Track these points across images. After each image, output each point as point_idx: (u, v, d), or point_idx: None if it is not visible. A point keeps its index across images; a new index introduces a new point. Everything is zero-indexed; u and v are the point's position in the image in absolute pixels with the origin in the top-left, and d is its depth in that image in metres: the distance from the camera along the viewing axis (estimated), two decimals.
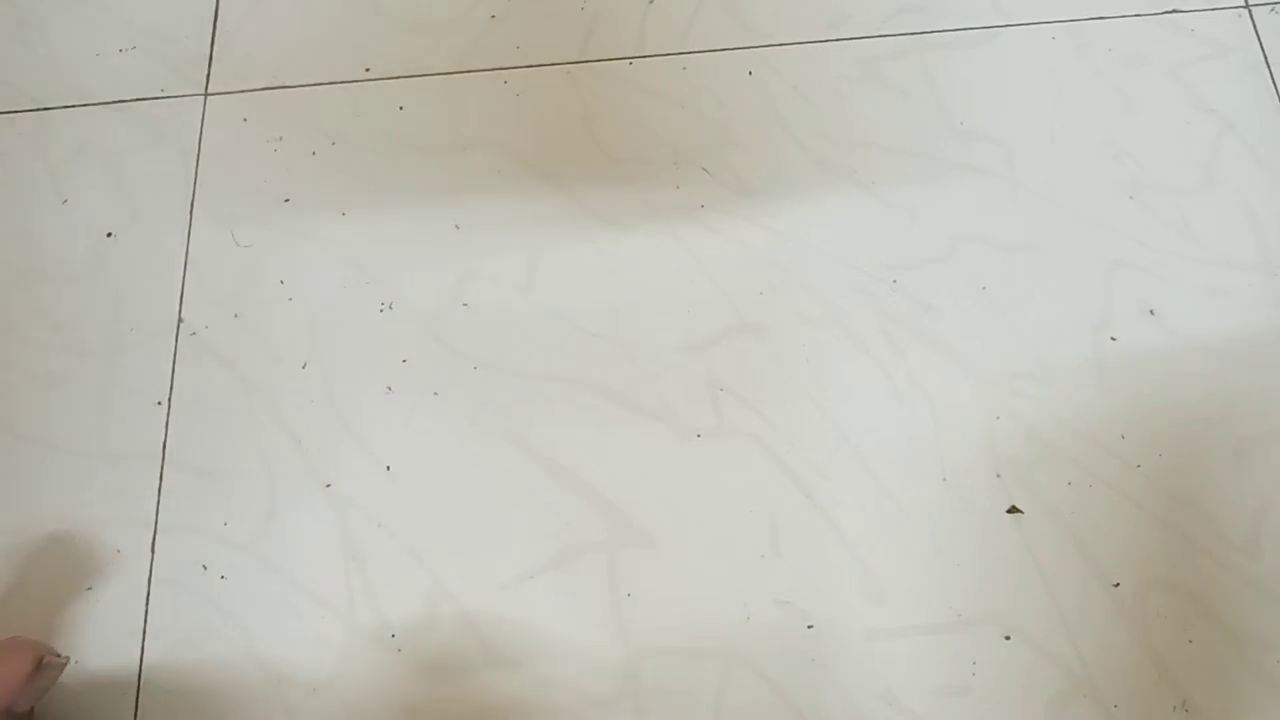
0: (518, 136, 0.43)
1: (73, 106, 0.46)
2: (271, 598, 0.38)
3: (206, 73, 0.46)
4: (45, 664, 0.34)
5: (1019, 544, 0.37)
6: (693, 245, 0.41)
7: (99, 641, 0.38)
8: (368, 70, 0.45)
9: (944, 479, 0.38)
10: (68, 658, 0.36)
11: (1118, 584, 0.36)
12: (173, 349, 0.42)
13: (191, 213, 0.44)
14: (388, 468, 0.40)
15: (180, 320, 0.42)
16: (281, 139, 0.45)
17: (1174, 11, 0.43)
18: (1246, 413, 0.38)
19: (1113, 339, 0.39)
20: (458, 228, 0.42)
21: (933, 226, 0.41)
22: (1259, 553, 0.36)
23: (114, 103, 0.46)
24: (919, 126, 0.42)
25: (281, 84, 0.46)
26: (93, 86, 0.47)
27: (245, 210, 0.44)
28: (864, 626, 0.36)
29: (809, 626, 0.36)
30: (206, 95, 0.46)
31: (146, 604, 0.39)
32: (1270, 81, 0.42)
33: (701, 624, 0.37)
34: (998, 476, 0.38)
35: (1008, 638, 0.36)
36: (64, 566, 0.39)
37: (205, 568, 0.39)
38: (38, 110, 0.46)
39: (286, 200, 0.44)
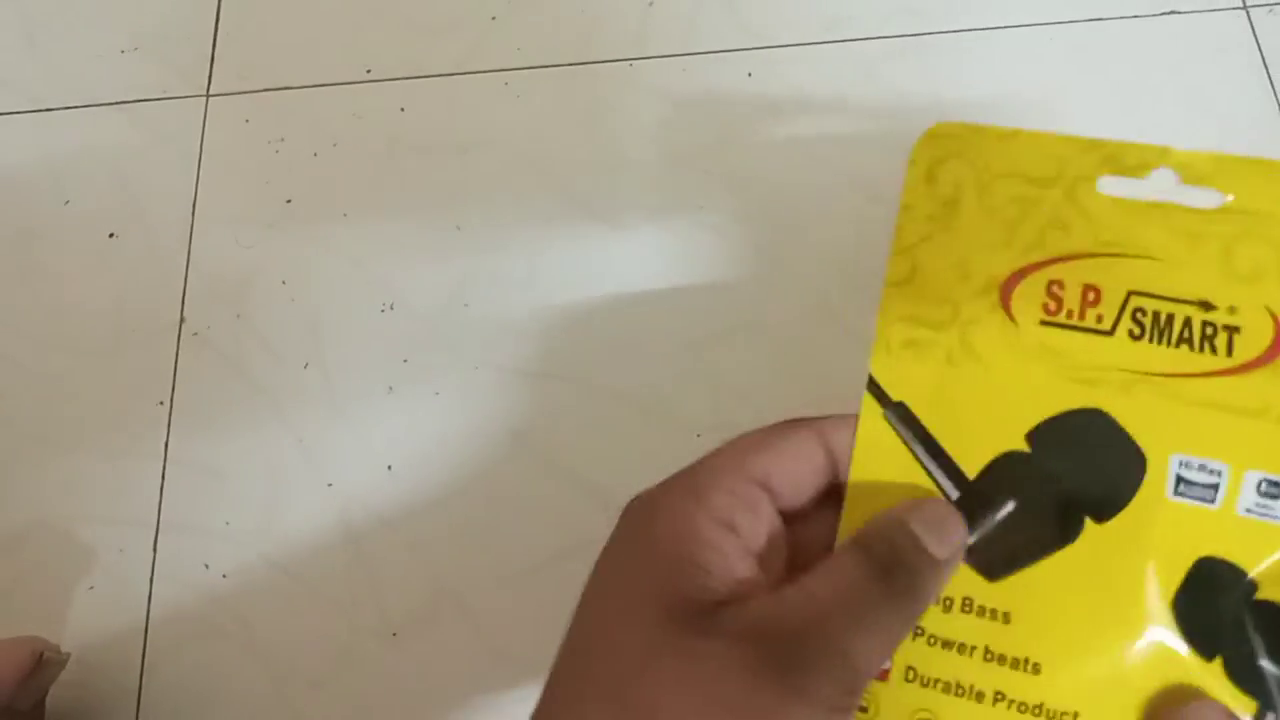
0: (518, 137, 0.44)
1: (74, 107, 0.47)
2: (273, 595, 0.38)
3: (208, 74, 0.46)
4: (45, 660, 0.34)
5: None
6: (693, 245, 0.42)
7: (101, 640, 0.39)
8: (369, 71, 0.45)
9: None
10: (68, 654, 0.36)
11: None
12: (175, 349, 0.42)
13: (194, 214, 0.44)
14: (389, 466, 0.40)
15: (182, 320, 0.42)
16: (283, 140, 0.45)
17: (1172, 13, 0.43)
18: None
19: None
20: (458, 228, 0.43)
21: None
22: None
23: (116, 104, 0.46)
24: (917, 127, 0.42)
25: (283, 85, 0.46)
26: (94, 87, 0.47)
27: (247, 211, 0.44)
28: None
29: None
30: (208, 96, 0.46)
31: (149, 602, 0.39)
32: (1268, 81, 0.42)
33: None
34: None
35: None
36: (66, 565, 0.40)
37: (207, 566, 0.39)
38: (39, 111, 0.47)
39: (288, 201, 0.44)
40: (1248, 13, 0.43)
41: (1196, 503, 0.20)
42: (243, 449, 0.40)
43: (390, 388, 0.41)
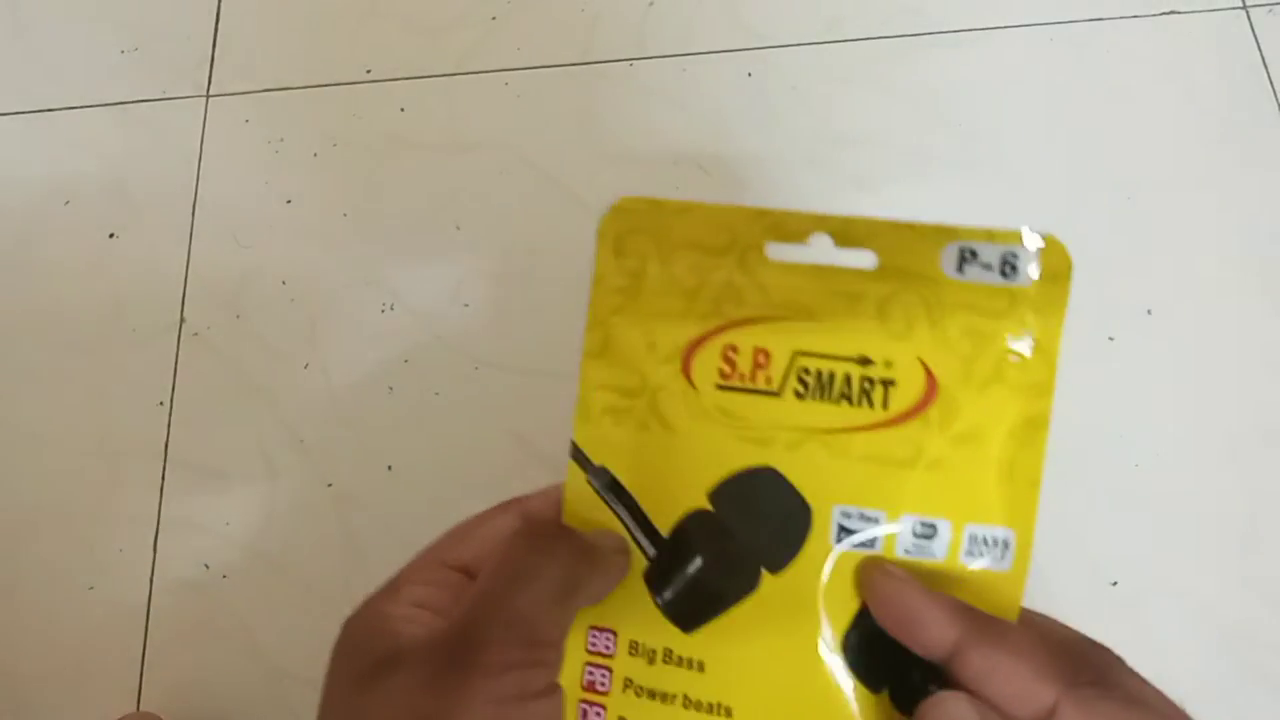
0: (518, 137, 0.44)
1: (75, 108, 0.47)
2: (273, 595, 0.38)
3: (208, 74, 0.46)
4: None
5: None
6: None
7: (101, 639, 0.39)
8: (369, 72, 0.45)
9: None
10: None
11: (1115, 583, 0.36)
12: (175, 349, 0.42)
13: (194, 214, 0.44)
14: (389, 466, 0.40)
15: (182, 320, 0.42)
16: (283, 140, 0.45)
17: (1172, 13, 0.43)
18: (1243, 412, 0.38)
19: (1111, 339, 0.39)
20: (458, 228, 0.43)
21: None
22: (1255, 551, 0.36)
23: (116, 104, 0.46)
24: (917, 127, 0.42)
25: (283, 85, 0.46)
26: (95, 88, 0.47)
27: (247, 211, 0.44)
28: None
29: None
30: (208, 97, 0.46)
31: (148, 602, 0.39)
32: (1267, 81, 0.42)
33: None
34: None
35: None
36: (66, 565, 0.40)
37: (207, 566, 0.39)
38: (41, 111, 0.47)
39: (288, 201, 0.44)
40: (1248, 13, 0.43)
41: (860, 549, 0.22)
42: (242, 449, 0.40)
43: (390, 388, 0.41)
